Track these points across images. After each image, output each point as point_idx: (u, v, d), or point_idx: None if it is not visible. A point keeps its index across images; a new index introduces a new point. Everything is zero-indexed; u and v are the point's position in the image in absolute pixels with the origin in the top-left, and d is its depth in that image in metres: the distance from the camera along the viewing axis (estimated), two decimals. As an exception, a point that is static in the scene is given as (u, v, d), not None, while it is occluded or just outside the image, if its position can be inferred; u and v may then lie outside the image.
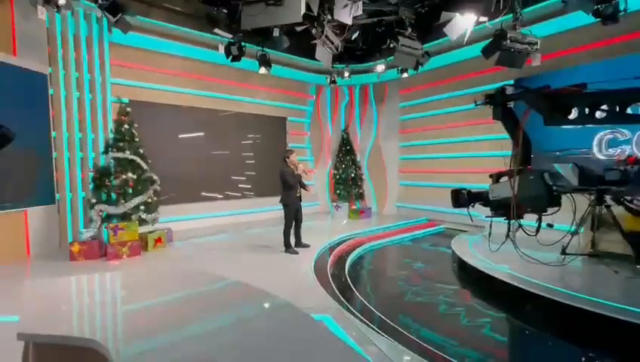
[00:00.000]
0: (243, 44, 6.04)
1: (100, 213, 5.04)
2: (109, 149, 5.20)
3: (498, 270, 4.00)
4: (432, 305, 3.76)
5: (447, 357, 2.61)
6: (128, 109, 5.40)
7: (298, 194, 5.24)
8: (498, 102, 1.76)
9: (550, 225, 1.90)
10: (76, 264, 4.67)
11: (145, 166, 5.41)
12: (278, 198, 5.38)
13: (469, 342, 2.98)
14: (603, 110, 1.36)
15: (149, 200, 5.39)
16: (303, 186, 5.28)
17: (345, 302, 3.60)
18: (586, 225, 4.40)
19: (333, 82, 7.98)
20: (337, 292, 3.88)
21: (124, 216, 5.12)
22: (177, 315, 1.54)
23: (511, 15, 4.54)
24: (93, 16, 5.69)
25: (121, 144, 5.23)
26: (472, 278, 4.33)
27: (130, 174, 5.17)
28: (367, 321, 3.14)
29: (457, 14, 4.09)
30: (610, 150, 5.31)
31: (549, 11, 5.29)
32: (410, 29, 5.14)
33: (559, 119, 1.51)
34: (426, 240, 6.83)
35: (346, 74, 7.90)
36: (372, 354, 2.51)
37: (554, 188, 1.63)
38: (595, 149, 5.45)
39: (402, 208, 8.95)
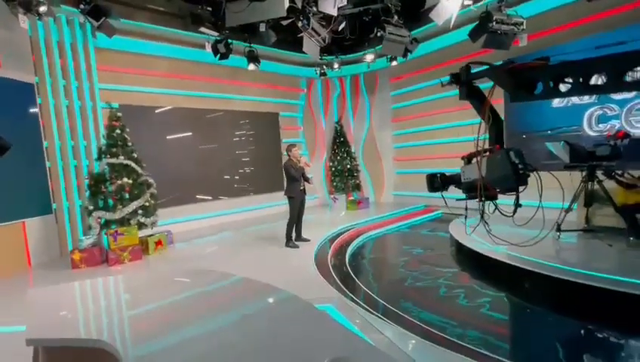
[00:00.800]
0: (230, 41, 5.99)
1: (99, 220, 5.04)
2: (103, 155, 5.19)
3: (495, 250, 4.07)
4: (433, 289, 3.83)
5: (448, 337, 2.68)
6: (119, 114, 5.37)
7: (302, 187, 5.30)
8: (463, 81, 1.68)
9: (518, 205, 1.79)
10: (78, 272, 4.69)
11: (140, 170, 5.41)
12: (277, 194, 5.42)
13: (469, 322, 3.05)
14: (567, 82, 1.32)
15: (147, 203, 5.40)
16: (306, 179, 5.34)
17: (346, 290, 3.67)
18: (580, 201, 4.48)
19: (323, 74, 7.95)
20: (339, 281, 3.94)
21: (123, 221, 5.13)
22: (185, 314, 1.56)
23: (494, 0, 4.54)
24: (76, 22, 5.61)
25: (114, 149, 5.21)
26: (471, 260, 4.41)
27: (125, 179, 5.17)
28: (369, 308, 3.20)
29: (442, -1, 4.08)
30: (600, 126, 5.37)
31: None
32: (396, 17, 5.12)
33: (524, 95, 1.44)
34: (425, 226, 6.91)
35: (336, 65, 7.88)
36: (376, 340, 2.57)
37: (519, 166, 1.53)
38: (585, 126, 5.51)
39: (399, 196, 9.02)
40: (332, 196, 8.88)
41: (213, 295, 1.85)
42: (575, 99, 5.59)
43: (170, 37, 6.48)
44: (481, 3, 4.39)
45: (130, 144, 5.44)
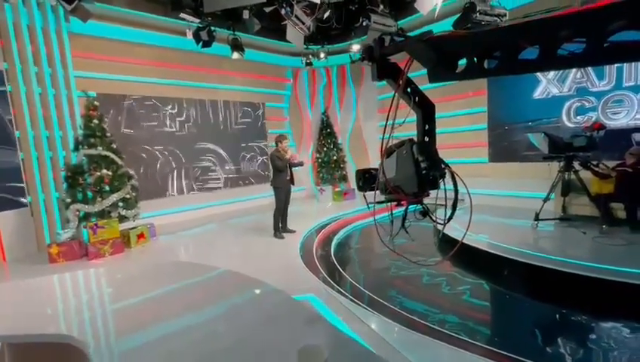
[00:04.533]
0: (213, 28, 5.81)
1: (77, 213, 4.89)
2: (80, 146, 5.00)
3: (476, 239, 4.17)
4: (415, 277, 3.90)
5: (430, 324, 2.75)
6: (96, 103, 5.17)
7: (288, 178, 5.26)
8: (376, 57, 1.23)
9: (424, 214, 1.29)
10: (56, 266, 4.55)
11: (120, 161, 5.25)
12: (263, 186, 5.39)
13: (449, 308, 3.13)
14: (494, 57, 0.88)
15: (128, 195, 5.26)
16: (296, 165, 5.31)
17: (330, 280, 3.69)
18: (557, 190, 4.63)
19: (309, 64, 7.84)
20: (323, 271, 3.96)
21: (103, 214, 5.00)
22: (165, 309, 1.53)
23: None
24: (47, 5, 5.31)
25: (92, 140, 5.04)
26: (453, 249, 4.50)
27: (104, 171, 5.02)
28: (352, 297, 3.24)
29: (427, -12, 4.05)
30: (578, 117, 5.51)
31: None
32: (382, 6, 5.06)
33: (444, 73, 1.08)
34: (410, 216, 6.99)
35: (322, 55, 7.77)
36: (357, 329, 2.61)
37: (422, 165, 1.12)
38: (564, 117, 5.65)
39: (385, 187, 9.08)
40: (319, 187, 8.88)
41: (194, 289, 1.82)
42: (555, 91, 5.72)
43: (149, 23, 6.23)
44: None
45: (109, 134, 5.27)
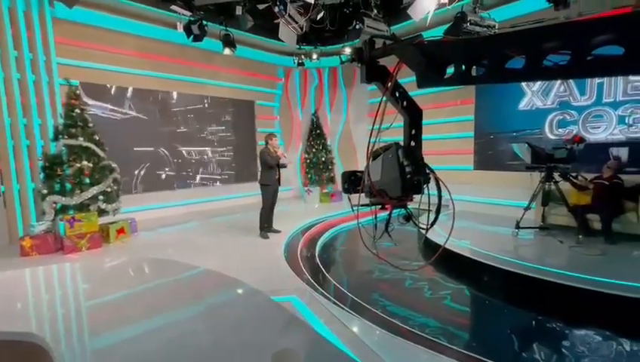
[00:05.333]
0: (205, 22, 5.73)
1: (54, 205, 4.70)
2: (60, 136, 4.83)
3: (459, 245, 4.23)
4: (399, 281, 3.93)
5: (410, 328, 2.76)
6: (79, 92, 5.00)
7: (277, 176, 5.21)
8: (366, 59, 1.22)
9: (407, 218, 1.30)
10: (29, 259, 4.37)
11: (102, 153, 5.09)
12: (249, 184, 5.33)
13: (431, 313, 3.16)
14: (482, 65, 0.97)
15: (109, 189, 5.10)
16: (283, 166, 5.27)
17: (314, 282, 3.68)
18: (537, 200, 4.76)
19: (301, 64, 7.81)
20: (307, 273, 3.94)
21: (81, 207, 4.83)
22: (141, 307, 1.49)
23: (469, 1, 4.64)
24: (31, -12, 5.12)
25: (72, 130, 4.87)
26: (435, 254, 4.56)
27: (85, 162, 4.86)
28: (335, 300, 3.23)
29: (421, -5, 4.10)
30: (559, 130, 5.69)
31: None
32: (376, 10, 5.10)
33: (433, 79, 1.06)
34: (394, 220, 7.04)
35: (314, 56, 7.76)
36: (338, 331, 2.60)
37: (407, 169, 1.12)
38: (546, 129, 5.82)
39: (372, 190, 9.13)
40: (306, 188, 8.85)
41: (172, 287, 1.77)
42: (539, 103, 5.89)
43: (139, 13, 6.08)
44: (457, 3, 4.47)
45: (91, 125, 5.10)
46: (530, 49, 0.78)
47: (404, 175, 1.11)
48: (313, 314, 2.82)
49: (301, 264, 4.25)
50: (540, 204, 4.78)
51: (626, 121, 5.05)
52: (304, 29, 4.78)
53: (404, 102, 1.22)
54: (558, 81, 5.62)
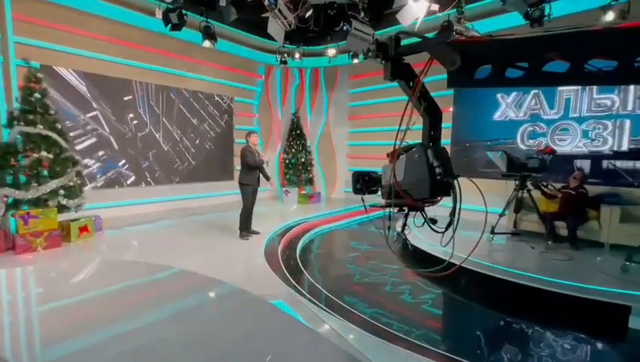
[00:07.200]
0: (184, 12, 5.44)
1: (5, 199, 4.24)
2: (15, 122, 4.36)
3: (437, 249, 4.31)
4: (379, 285, 3.92)
5: (394, 331, 2.75)
6: (39, 75, 4.56)
7: (257, 176, 5.05)
8: (391, 56, 1.21)
9: (433, 220, 1.29)
10: (-27, 259, 3.89)
11: (64, 144, 4.67)
12: (226, 183, 5.12)
13: (411, 317, 3.17)
14: (519, 67, 0.94)
15: (71, 183, 4.68)
16: (264, 174, 5.11)
17: (297, 285, 3.58)
18: (510, 207, 4.97)
19: (284, 62, 7.68)
20: (289, 276, 3.83)
21: (38, 202, 4.39)
22: (104, 312, 1.35)
23: (455, 10, 4.79)
24: (-13, -43, 4.61)
25: (30, 117, 4.42)
26: (415, 258, 4.62)
27: (44, 153, 4.42)
28: (320, 304, 3.15)
29: (411, 1, 4.15)
30: (530, 141, 6.01)
31: (487, 10, 5.70)
32: (362, 14, 5.11)
33: (465, 79, 1.03)
34: (373, 223, 7.10)
35: (297, 55, 7.67)
36: (326, 334, 2.52)
37: (438, 170, 1.10)
38: (518, 140, 6.12)
39: (350, 193, 9.17)
40: (284, 189, 8.71)
41: (141, 290, 1.62)
42: (512, 115, 6.18)
43: (113, -5, 5.69)
44: (446, 12, 4.58)
45: (52, 112, 4.67)
46: (574, 53, 0.75)
47: (434, 176, 1.08)
48: (301, 318, 2.73)
49: (283, 267, 4.13)
50: (513, 211, 5.00)
51: (589, 135, 5.43)
52: (292, 26, 4.68)
53: (425, 103, 1.19)
54: (531, 95, 5.94)
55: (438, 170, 1.08)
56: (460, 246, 1.29)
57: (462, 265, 3.77)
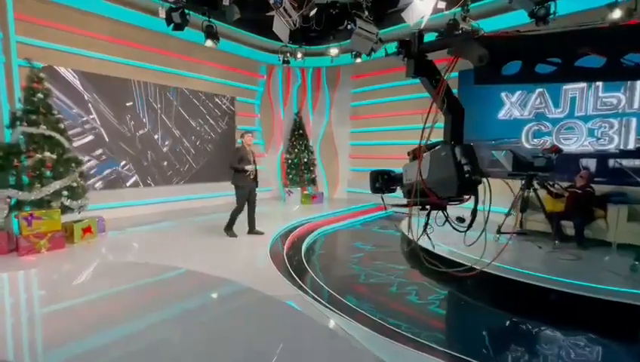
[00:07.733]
0: (187, 11, 5.42)
1: (8, 200, 4.20)
2: (18, 122, 4.33)
3: (443, 249, 4.27)
4: (385, 286, 3.88)
5: (403, 332, 2.72)
6: (42, 75, 4.52)
7: (251, 175, 4.99)
8: (414, 53, 1.18)
9: (460, 219, 1.23)
10: (-24, 261, 3.86)
11: (67, 144, 4.64)
12: (229, 183, 5.08)
13: (419, 318, 3.14)
14: (550, 62, 0.93)
15: (74, 184, 4.65)
16: (254, 177, 5.06)
17: (304, 286, 3.55)
18: (517, 207, 4.93)
19: (286, 62, 7.65)
20: (296, 277, 3.80)
21: (42, 203, 4.35)
22: (110, 313, 1.33)
23: (460, 9, 4.75)
24: (-11, -44, 4.58)
25: (33, 117, 4.39)
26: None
27: (47, 153, 4.39)
28: (329, 306, 3.13)
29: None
30: (535, 140, 5.97)
31: (493, 8, 5.66)
32: (367, 12, 5.08)
33: (493, 75, 1.01)
34: (376, 223, 7.07)
35: (299, 55, 7.63)
36: (337, 333, 2.49)
37: (466, 168, 1.06)
38: (523, 139, 6.08)
39: (352, 193, 9.15)
40: (287, 189, 8.68)
41: (143, 291, 1.59)
42: (517, 114, 6.15)
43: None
44: (451, 10, 4.55)
45: (55, 112, 4.64)
46: (610, 48, 0.72)
47: (462, 174, 1.04)
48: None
49: (289, 268, 4.09)
50: (519, 210, 4.96)
51: (595, 134, 5.39)
52: (297, 24, 4.65)
53: (447, 100, 1.17)
54: (536, 93, 5.90)
55: (466, 168, 1.05)
56: (472, 247, 1.25)
57: (468, 264, 3.73)
